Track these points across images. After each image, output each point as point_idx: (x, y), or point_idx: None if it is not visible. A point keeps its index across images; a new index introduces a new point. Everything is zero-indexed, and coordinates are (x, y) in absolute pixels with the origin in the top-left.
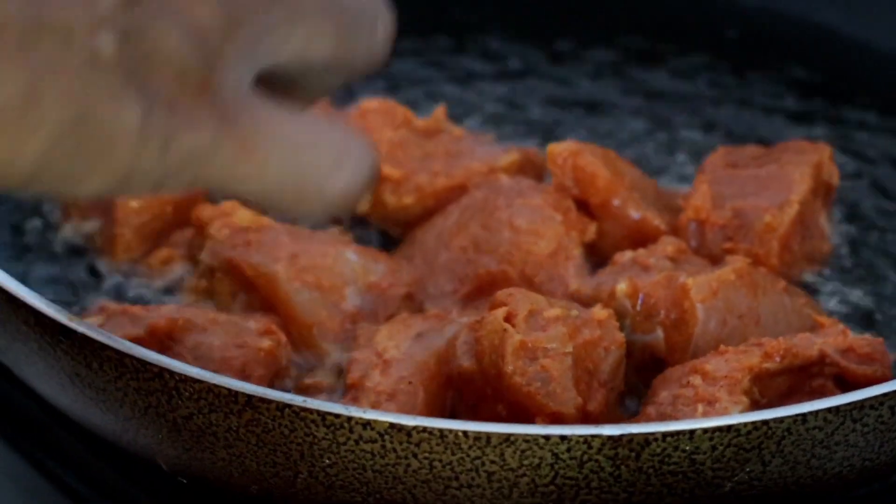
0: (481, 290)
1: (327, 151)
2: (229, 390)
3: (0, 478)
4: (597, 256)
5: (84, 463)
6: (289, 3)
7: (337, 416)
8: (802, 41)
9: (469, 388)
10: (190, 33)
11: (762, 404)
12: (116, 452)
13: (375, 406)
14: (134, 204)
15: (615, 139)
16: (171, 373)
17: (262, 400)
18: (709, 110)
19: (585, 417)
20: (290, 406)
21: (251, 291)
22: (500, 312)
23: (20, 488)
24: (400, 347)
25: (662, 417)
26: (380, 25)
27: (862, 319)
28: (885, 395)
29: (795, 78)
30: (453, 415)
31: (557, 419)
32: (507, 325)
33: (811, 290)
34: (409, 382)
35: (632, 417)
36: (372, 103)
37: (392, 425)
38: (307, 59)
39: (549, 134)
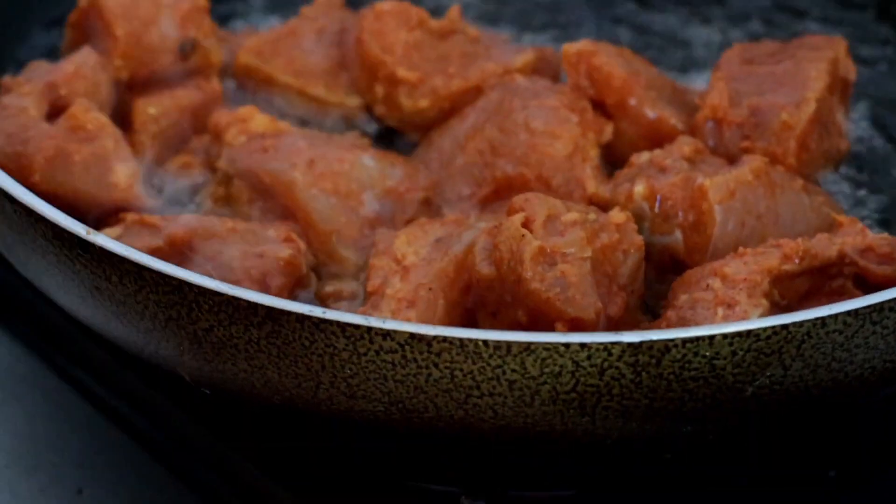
0: (498, 194)
1: None
2: (249, 302)
3: (26, 384)
4: (614, 157)
5: (109, 371)
6: None
7: (357, 326)
8: None
9: (488, 294)
10: None
11: (782, 306)
12: (140, 361)
13: (396, 313)
14: (152, 110)
15: None
16: (190, 285)
17: (282, 312)
18: None
19: (606, 322)
20: (309, 318)
21: (269, 198)
22: (518, 218)
23: (47, 396)
24: (419, 253)
25: (682, 321)
26: None
27: (881, 218)
28: None
29: None
30: (473, 322)
31: (577, 325)
32: (524, 231)
33: (829, 187)
34: (430, 289)
35: (652, 321)
36: (386, 5)
37: (412, 335)
38: None
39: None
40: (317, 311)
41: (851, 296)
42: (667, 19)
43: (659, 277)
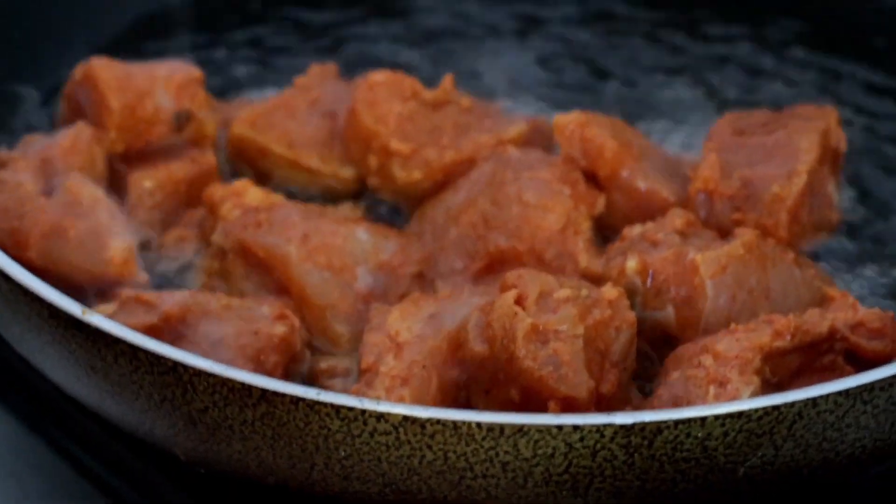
0: (492, 267)
1: None
2: (243, 384)
3: (22, 461)
4: (606, 228)
5: (105, 448)
6: None
7: (351, 408)
8: None
9: (481, 371)
10: None
11: (773, 383)
12: (136, 439)
13: (390, 391)
14: (147, 184)
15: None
16: (185, 366)
17: (277, 393)
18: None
19: (598, 399)
20: (304, 399)
21: (264, 272)
22: (511, 295)
23: (43, 472)
24: (412, 330)
25: (674, 399)
26: None
27: (873, 288)
28: (894, 376)
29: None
30: (467, 399)
31: (570, 403)
32: (517, 309)
33: (821, 259)
34: (423, 367)
35: (644, 397)
36: (379, 76)
37: (406, 417)
38: None
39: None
40: (311, 393)
41: (843, 371)
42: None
43: (651, 352)
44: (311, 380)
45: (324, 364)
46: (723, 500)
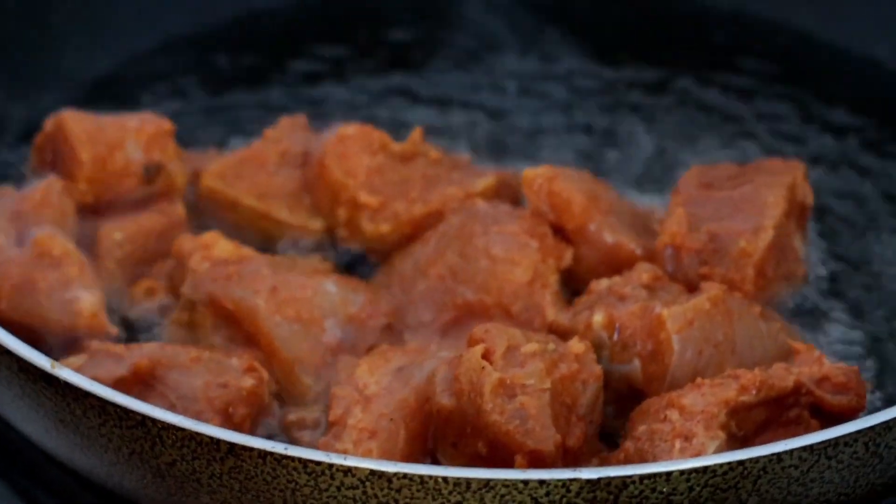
0: (460, 320)
1: None
2: (211, 437)
3: None
4: (574, 281)
5: (75, 499)
6: None
7: (318, 462)
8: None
9: (449, 424)
10: None
11: (739, 437)
12: (106, 490)
13: (357, 444)
14: (117, 236)
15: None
16: (154, 420)
17: (244, 447)
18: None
19: (565, 453)
20: (271, 453)
21: (232, 325)
22: (478, 350)
23: None
24: (380, 382)
25: (640, 453)
26: None
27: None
28: (858, 431)
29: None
30: (434, 452)
31: (536, 457)
32: (484, 363)
33: (786, 312)
34: (391, 420)
35: (611, 451)
36: (349, 129)
37: (373, 472)
38: None
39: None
40: (279, 447)
41: (808, 425)
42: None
43: (618, 405)
44: (280, 431)
45: (293, 416)
46: None
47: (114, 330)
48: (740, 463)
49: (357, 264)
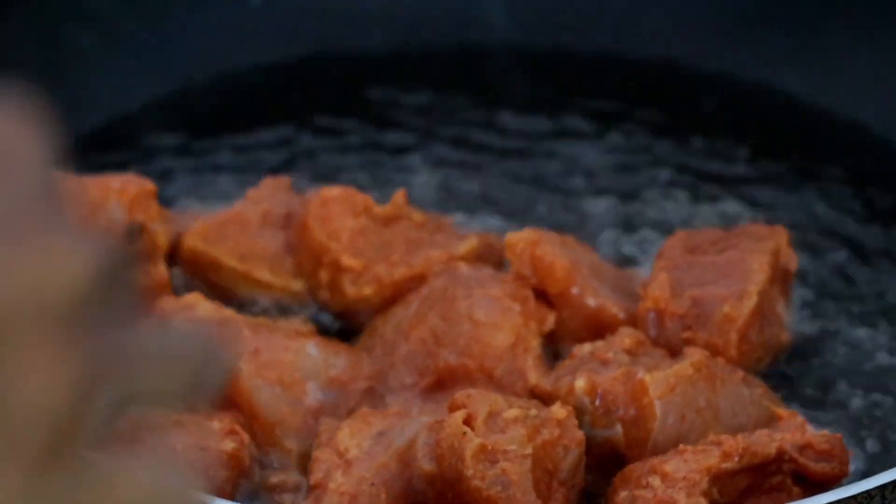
0: (442, 384)
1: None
2: None
3: None
4: (556, 344)
5: None
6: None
7: None
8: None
9: (429, 489)
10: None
11: (721, 503)
12: None
13: None
14: None
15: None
16: None
17: None
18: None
19: None
20: None
21: None
22: (459, 415)
23: None
24: (361, 446)
25: None
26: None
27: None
28: (840, 500)
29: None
30: None
31: None
32: (466, 429)
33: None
34: (372, 484)
35: None
36: (332, 191)
37: None
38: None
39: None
40: None
41: (790, 492)
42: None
43: (600, 470)
44: (261, 494)
45: (274, 479)
46: None
47: None
48: None
49: (339, 326)
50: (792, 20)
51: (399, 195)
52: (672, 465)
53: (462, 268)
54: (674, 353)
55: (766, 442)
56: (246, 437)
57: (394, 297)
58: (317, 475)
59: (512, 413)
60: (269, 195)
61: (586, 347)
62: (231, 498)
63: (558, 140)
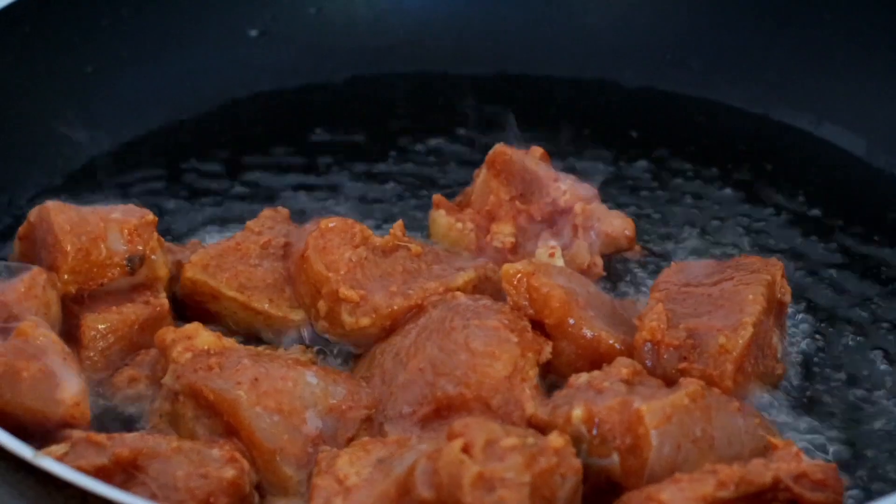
0: (439, 413)
1: None
2: None
3: None
4: (553, 375)
5: None
6: None
7: None
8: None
9: None
10: None
11: None
12: None
13: None
14: (100, 327)
15: None
16: None
17: None
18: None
19: None
20: None
21: (214, 415)
22: (457, 444)
23: None
24: (361, 474)
25: None
26: None
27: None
28: None
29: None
30: None
31: None
32: (463, 457)
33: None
34: None
35: None
36: (330, 221)
37: None
38: None
39: None
40: None
41: None
42: None
43: (596, 499)
44: None
45: None
46: None
47: (96, 416)
48: None
49: (338, 354)
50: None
51: (397, 226)
52: (668, 493)
53: (460, 298)
54: (670, 383)
55: (762, 471)
56: (246, 464)
57: (392, 327)
58: (317, 502)
59: (509, 441)
60: (268, 225)
61: (583, 377)
62: None
63: None
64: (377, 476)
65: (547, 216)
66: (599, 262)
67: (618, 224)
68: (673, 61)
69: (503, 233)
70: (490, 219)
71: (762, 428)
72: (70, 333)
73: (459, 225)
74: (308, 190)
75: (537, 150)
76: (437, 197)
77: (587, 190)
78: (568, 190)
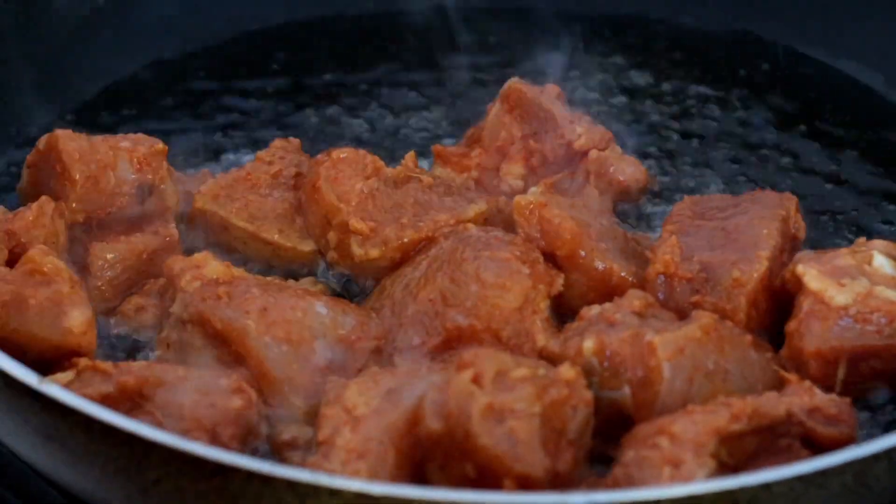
0: (449, 344)
1: None
2: (197, 456)
3: None
4: (565, 308)
5: None
6: None
7: (305, 483)
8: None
9: (438, 448)
10: None
11: (729, 465)
12: None
13: (346, 464)
14: (109, 256)
15: None
16: (140, 438)
17: (231, 467)
18: None
19: (554, 478)
20: (258, 473)
21: (222, 344)
22: (467, 374)
23: None
24: (370, 404)
25: (629, 479)
26: None
27: None
28: (848, 462)
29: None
30: (422, 474)
31: (525, 481)
32: (473, 387)
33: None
34: (380, 442)
35: (600, 477)
36: (342, 152)
37: (359, 494)
38: None
39: None
40: (265, 467)
41: (799, 455)
42: None
43: (608, 431)
44: (273, 451)
45: (286, 435)
46: None
47: (102, 344)
48: (730, 492)
49: (350, 285)
50: None
51: (409, 157)
52: (680, 425)
53: (471, 229)
54: (682, 316)
55: (775, 404)
56: (253, 394)
57: (402, 259)
58: (325, 431)
59: (520, 372)
60: (279, 156)
61: (595, 309)
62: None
63: None
64: (386, 406)
65: (560, 157)
66: (610, 208)
67: (630, 172)
68: None
69: (512, 174)
70: (500, 156)
71: (775, 362)
72: (78, 262)
73: (459, 180)
74: (322, 121)
75: (554, 89)
76: (437, 147)
77: (602, 133)
78: (584, 133)
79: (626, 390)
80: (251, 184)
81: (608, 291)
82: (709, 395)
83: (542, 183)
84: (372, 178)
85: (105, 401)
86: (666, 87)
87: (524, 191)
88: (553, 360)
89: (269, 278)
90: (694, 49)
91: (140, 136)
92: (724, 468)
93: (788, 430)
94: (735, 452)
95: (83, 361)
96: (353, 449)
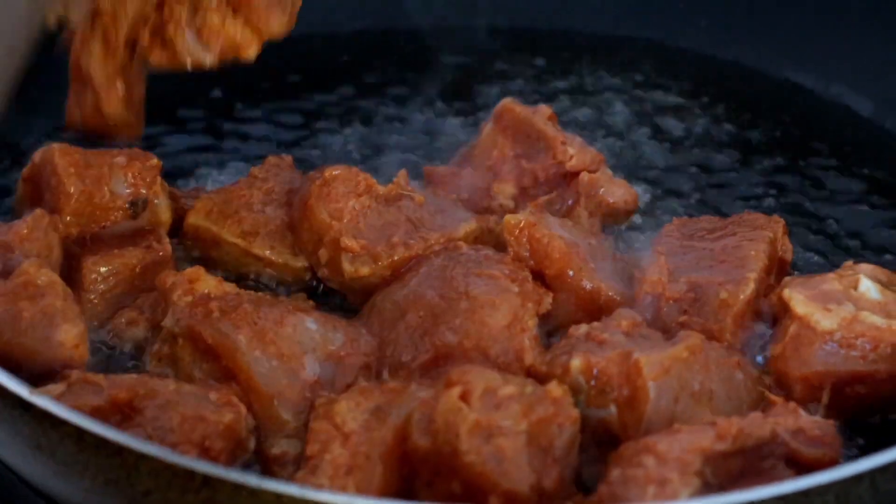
0: (438, 361)
1: None
2: (186, 469)
3: None
4: (553, 326)
5: None
6: None
7: (292, 497)
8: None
9: (425, 464)
10: None
11: (713, 485)
12: None
13: (334, 479)
14: (101, 269)
15: None
16: (130, 450)
17: (219, 479)
18: None
19: (540, 495)
20: (245, 486)
21: (212, 359)
22: (455, 392)
23: None
24: (358, 420)
25: (613, 497)
26: None
27: None
28: (830, 483)
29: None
30: (410, 490)
31: (511, 498)
32: (461, 405)
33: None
34: (368, 457)
35: (585, 495)
36: (335, 170)
37: None
38: None
39: None
40: (252, 481)
41: (783, 476)
42: None
43: (594, 450)
44: (262, 466)
45: (276, 450)
46: None
47: (94, 357)
48: None
49: (342, 302)
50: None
51: (401, 175)
52: (665, 444)
53: (462, 248)
54: (670, 336)
55: (760, 425)
56: (243, 408)
57: (392, 276)
58: (313, 446)
59: (507, 390)
60: (272, 172)
61: (583, 328)
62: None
63: None
64: (374, 422)
65: (551, 178)
66: (598, 229)
67: (620, 194)
68: (682, 19)
69: (504, 193)
70: (492, 175)
71: (760, 383)
72: (71, 276)
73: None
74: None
75: (546, 110)
76: (427, 169)
77: (594, 155)
78: (575, 154)
79: (613, 409)
80: (244, 200)
81: (596, 311)
82: (694, 414)
83: (532, 203)
84: (364, 196)
85: (96, 413)
86: (661, 110)
87: (515, 210)
88: (541, 378)
89: (260, 294)
90: (686, 72)
91: (135, 150)
92: (709, 488)
93: (773, 450)
94: (719, 472)
95: (75, 374)
96: (342, 464)
